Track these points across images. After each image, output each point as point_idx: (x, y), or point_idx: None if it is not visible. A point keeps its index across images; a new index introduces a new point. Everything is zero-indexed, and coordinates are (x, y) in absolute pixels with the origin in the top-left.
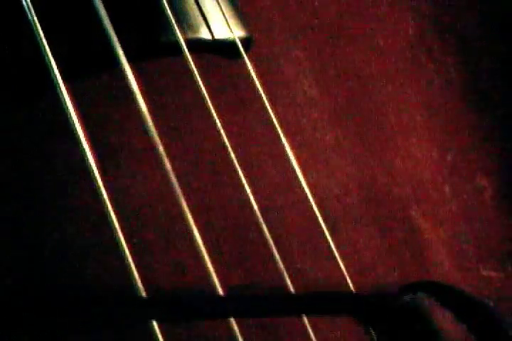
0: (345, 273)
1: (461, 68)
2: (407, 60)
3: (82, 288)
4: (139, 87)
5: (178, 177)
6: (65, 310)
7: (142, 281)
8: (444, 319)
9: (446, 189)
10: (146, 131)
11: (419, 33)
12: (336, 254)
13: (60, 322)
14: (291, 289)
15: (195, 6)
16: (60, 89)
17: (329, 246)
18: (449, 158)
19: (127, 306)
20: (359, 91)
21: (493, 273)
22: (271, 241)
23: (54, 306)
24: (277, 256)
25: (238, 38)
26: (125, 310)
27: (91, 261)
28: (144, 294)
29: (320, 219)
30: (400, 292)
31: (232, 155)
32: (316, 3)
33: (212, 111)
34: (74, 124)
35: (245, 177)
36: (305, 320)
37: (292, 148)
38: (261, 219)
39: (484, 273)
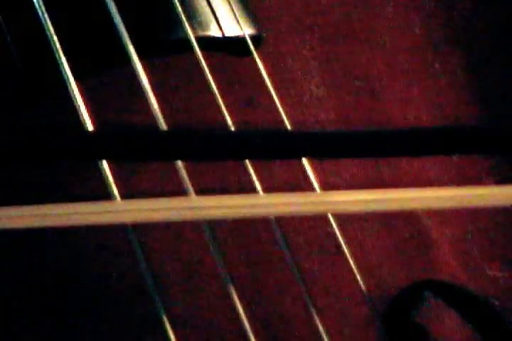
0: (356, 271)
1: (467, 68)
2: (414, 59)
3: None
4: (150, 85)
5: (188, 175)
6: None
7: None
8: (450, 318)
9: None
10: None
11: (426, 32)
12: (347, 253)
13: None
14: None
15: (205, 4)
16: (70, 86)
17: (339, 244)
18: (455, 157)
19: (79, 141)
20: (366, 91)
21: (498, 273)
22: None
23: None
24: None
25: (248, 35)
26: (77, 145)
27: None
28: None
29: (330, 218)
30: (406, 291)
31: None
32: (323, 2)
33: (223, 108)
34: (85, 122)
35: (254, 175)
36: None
37: None
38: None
39: (490, 273)
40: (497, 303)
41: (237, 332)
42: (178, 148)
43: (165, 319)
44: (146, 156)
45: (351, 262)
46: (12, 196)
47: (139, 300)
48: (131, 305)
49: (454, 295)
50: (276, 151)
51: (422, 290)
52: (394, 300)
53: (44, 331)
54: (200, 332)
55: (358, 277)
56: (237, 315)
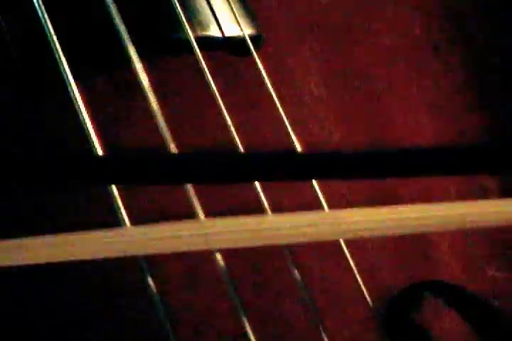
0: (356, 271)
1: (467, 68)
2: (414, 59)
3: None
4: (150, 85)
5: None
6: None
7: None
8: (450, 319)
9: (452, 189)
10: (157, 129)
11: (426, 32)
12: (347, 253)
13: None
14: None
15: (205, 4)
16: (70, 86)
17: (339, 244)
18: None
19: (85, 166)
20: (365, 91)
21: (498, 274)
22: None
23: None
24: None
25: (248, 35)
26: (82, 170)
27: None
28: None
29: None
30: (405, 291)
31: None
32: (323, 2)
33: (223, 109)
34: (84, 120)
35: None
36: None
37: (300, 146)
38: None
39: (490, 273)
40: (497, 303)
41: (238, 332)
42: (187, 173)
43: (166, 320)
44: (155, 180)
45: (351, 262)
46: (9, 223)
47: (140, 301)
48: (131, 305)
49: (453, 295)
50: (286, 174)
51: (422, 290)
52: (394, 300)
53: None
54: (201, 332)
55: (358, 277)
56: (238, 315)
